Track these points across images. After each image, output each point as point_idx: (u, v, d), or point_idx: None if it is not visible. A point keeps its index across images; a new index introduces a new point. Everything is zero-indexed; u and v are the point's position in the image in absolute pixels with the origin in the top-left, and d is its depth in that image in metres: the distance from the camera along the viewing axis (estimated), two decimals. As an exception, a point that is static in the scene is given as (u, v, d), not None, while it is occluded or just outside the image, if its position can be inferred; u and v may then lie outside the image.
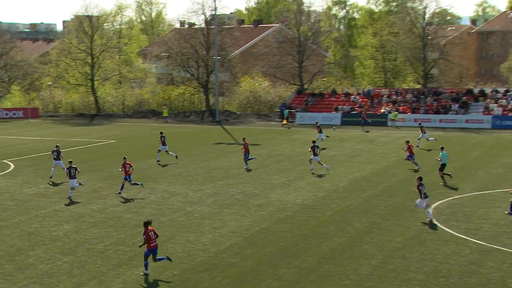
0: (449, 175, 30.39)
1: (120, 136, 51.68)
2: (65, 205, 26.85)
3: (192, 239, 21.89)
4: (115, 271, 18.73)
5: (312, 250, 20.39)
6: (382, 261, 19.28)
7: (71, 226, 23.45)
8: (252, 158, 35.89)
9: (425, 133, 43.83)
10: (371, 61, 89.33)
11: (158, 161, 37.90)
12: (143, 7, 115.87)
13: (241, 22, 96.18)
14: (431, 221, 23.48)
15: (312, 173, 33.53)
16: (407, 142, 35.69)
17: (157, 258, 18.30)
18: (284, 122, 60.64)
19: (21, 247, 20.86)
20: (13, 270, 18.64)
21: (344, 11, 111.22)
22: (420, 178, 24.05)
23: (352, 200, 27.40)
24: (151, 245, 18.09)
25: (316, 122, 49.71)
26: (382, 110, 61.03)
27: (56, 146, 34.11)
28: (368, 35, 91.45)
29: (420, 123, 45.85)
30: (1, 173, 34.16)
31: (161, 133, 39.52)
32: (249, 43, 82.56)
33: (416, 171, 33.59)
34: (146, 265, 18.14)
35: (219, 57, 66.18)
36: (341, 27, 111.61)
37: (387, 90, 66.72)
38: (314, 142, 35.67)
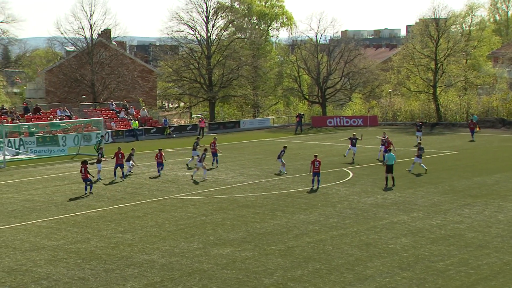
0: None
1: (463, 147, 50.79)
2: (402, 218, 27.57)
3: (547, 269, 20.47)
4: (456, 293, 18.62)
5: None
6: None
7: (409, 240, 23.97)
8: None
9: None
10: None
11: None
12: (498, 5, 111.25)
13: None
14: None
15: None
16: None
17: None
18: None
19: (359, 257, 22.10)
20: (352, 280, 19.85)
21: None
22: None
23: None
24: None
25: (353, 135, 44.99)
26: None
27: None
28: None
29: None
30: (341, 181, 36.63)
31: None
32: None
33: None
34: None
35: None
36: None
37: None
38: None
